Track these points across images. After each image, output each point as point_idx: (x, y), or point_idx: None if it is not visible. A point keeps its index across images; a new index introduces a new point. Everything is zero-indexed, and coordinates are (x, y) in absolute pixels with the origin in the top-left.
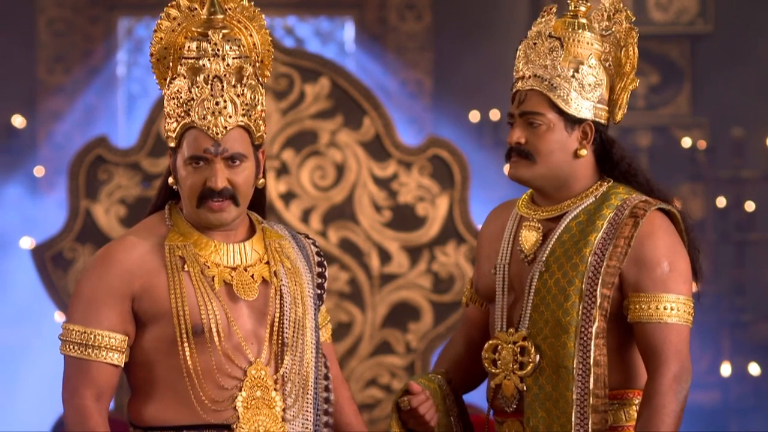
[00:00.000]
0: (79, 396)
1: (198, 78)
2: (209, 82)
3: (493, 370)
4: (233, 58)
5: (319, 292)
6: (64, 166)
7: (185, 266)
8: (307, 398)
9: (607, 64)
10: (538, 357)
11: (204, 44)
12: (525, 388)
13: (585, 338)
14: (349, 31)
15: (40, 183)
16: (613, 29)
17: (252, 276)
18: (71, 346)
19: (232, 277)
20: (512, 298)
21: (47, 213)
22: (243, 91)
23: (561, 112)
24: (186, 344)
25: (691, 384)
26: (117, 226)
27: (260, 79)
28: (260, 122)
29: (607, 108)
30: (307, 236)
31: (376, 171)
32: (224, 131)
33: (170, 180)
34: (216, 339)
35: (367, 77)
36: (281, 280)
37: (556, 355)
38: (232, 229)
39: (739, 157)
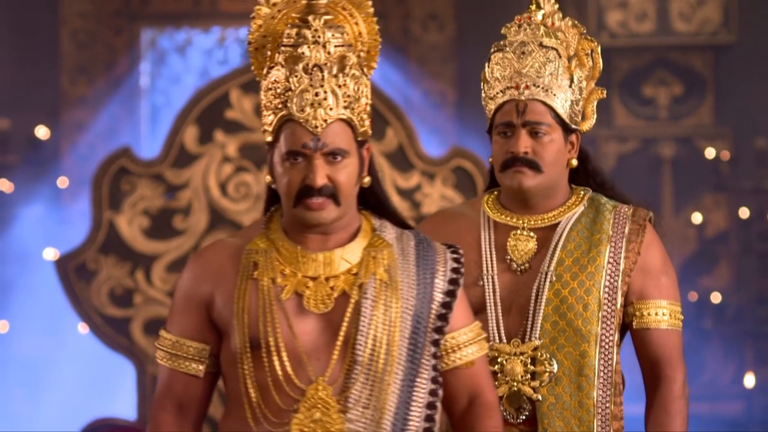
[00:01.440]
0: (159, 406)
1: (297, 67)
2: (309, 71)
3: (495, 383)
4: (335, 46)
5: (443, 311)
6: (87, 177)
7: (255, 273)
8: (383, 426)
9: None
10: (555, 366)
11: (304, 31)
12: (540, 398)
13: (607, 346)
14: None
15: (64, 194)
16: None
17: (332, 288)
18: (160, 354)
19: (307, 287)
20: (503, 309)
21: (70, 224)
22: (345, 81)
23: (561, 122)
24: (245, 358)
25: (715, 394)
26: (140, 237)
27: (365, 70)
28: (364, 116)
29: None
30: (454, 249)
31: (399, 182)
32: (324, 124)
33: (267, 178)
34: (274, 354)
35: (390, 88)
36: (365, 293)
37: (574, 364)
38: (331, 232)
39: (762, 167)
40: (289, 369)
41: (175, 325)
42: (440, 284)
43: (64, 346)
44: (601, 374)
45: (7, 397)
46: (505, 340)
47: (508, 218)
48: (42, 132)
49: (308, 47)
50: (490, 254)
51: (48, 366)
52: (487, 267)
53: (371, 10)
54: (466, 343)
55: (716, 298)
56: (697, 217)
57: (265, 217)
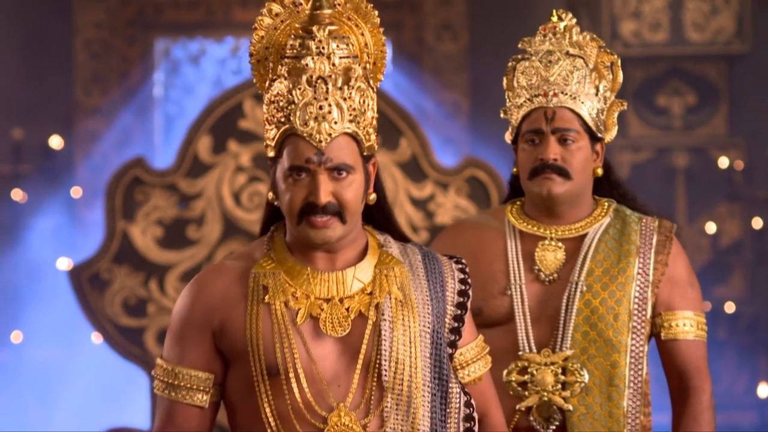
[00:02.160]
0: None
1: (300, 79)
2: (312, 83)
3: (525, 393)
4: (340, 58)
5: (455, 325)
6: (101, 186)
7: (266, 297)
8: None
9: None
10: (586, 376)
11: (308, 42)
12: (571, 408)
13: (637, 356)
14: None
15: (77, 204)
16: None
17: (347, 309)
18: (158, 384)
19: (322, 310)
20: (532, 319)
21: (84, 234)
22: (351, 94)
23: (589, 130)
24: (262, 386)
25: (729, 404)
26: (154, 246)
27: (371, 82)
28: (370, 130)
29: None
30: (458, 260)
31: (413, 192)
32: (328, 139)
33: (270, 195)
34: (293, 381)
35: (404, 98)
36: (382, 314)
37: (605, 374)
38: (338, 251)
39: None
40: (309, 396)
41: (178, 354)
42: (450, 297)
43: (78, 356)
44: (631, 384)
45: (21, 407)
46: (535, 350)
47: (535, 228)
48: (56, 142)
49: (312, 59)
50: (518, 264)
51: (61, 376)
52: (515, 277)
53: (377, 20)
54: (474, 358)
55: (730, 308)
56: (710, 227)
57: (266, 236)
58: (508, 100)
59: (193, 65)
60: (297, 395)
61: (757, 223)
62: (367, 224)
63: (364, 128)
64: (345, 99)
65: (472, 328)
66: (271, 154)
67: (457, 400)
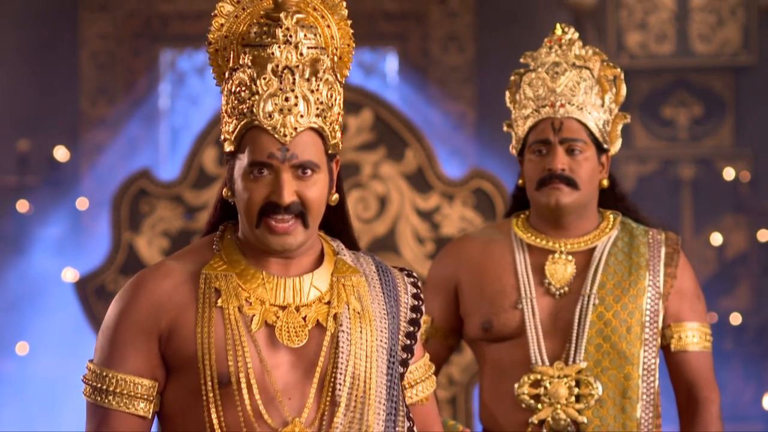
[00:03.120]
0: None
1: (265, 69)
2: (279, 73)
3: (538, 406)
4: (308, 48)
5: (407, 342)
6: (106, 198)
7: (219, 301)
8: None
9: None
10: (599, 389)
11: (274, 29)
12: (585, 421)
13: (649, 368)
14: (391, 63)
15: (83, 215)
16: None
17: (304, 318)
18: (89, 390)
19: (277, 317)
20: (543, 332)
21: (90, 245)
22: (318, 86)
23: (595, 141)
24: (211, 396)
25: (735, 416)
26: (159, 257)
27: (338, 77)
28: (336, 127)
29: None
30: (408, 273)
31: (418, 203)
32: (293, 133)
33: (224, 191)
34: (245, 391)
35: (410, 109)
36: (341, 325)
37: (618, 387)
38: (294, 257)
39: None
40: (261, 407)
41: (117, 358)
42: (404, 312)
43: (83, 368)
44: (644, 396)
45: (27, 418)
46: (548, 363)
47: (544, 241)
48: (61, 153)
49: (278, 47)
50: (528, 278)
51: (67, 387)
52: (525, 291)
53: (345, 12)
54: (421, 378)
55: (736, 319)
56: (716, 239)
57: (215, 235)
58: (513, 113)
59: (199, 76)
60: (248, 406)
61: (764, 234)
62: (319, 229)
63: (330, 124)
64: (312, 91)
65: (420, 345)
66: (230, 148)
67: (402, 423)
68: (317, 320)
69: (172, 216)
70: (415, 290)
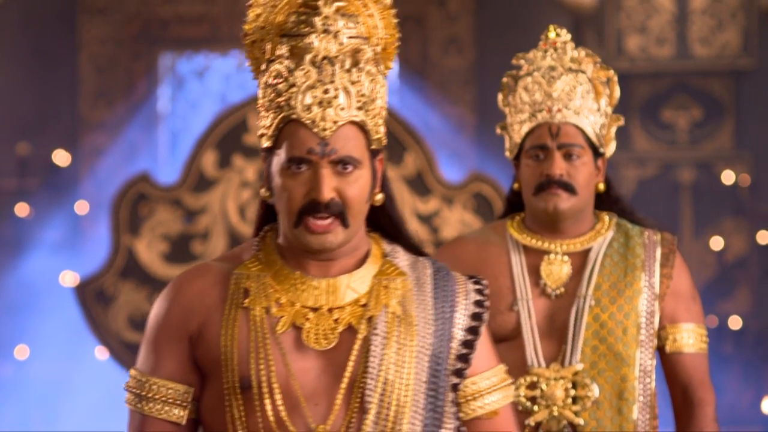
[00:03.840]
0: None
1: (303, 60)
2: (317, 64)
3: (535, 408)
4: (348, 38)
5: (463, 351)
6: (106, 201)
7: (246, 301)
8: None
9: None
10: (596, 391)
11: (312, 18)
12: (582, 422)
13: (646, 370)
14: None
15: (82, 219)
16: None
17: (336, 320)
18: (129, 397)
19: (307, 319)
20: (540, 334)
21: (89, 249)
22: (360, 78)
23: (592, 145)
24: (233, 401)
25: (734, 419)
26: (159, 261)
27: (381, 68)
28: (379, 121)
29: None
30: (477, 280)
31: (418, 206)
32: (333, 127)
33: (262, 191)
34: (266, 395)
35: (409, 112)
36: (375, 328)
37: (614, 388)
38: (336, 258)
39: None
40: (283, 414)
41: (152, 363)
42: (461, 320)
43: (83, 371)
44: (641, 397)
45: (26, 422)
46: (544, 365)
47: (539, 242)
48: (61, 157)
49: (317, 37)
50: (524, 279)
51: (66, 391)
52: (521, 292)
53: (389, 1)
54: (489, 389)
55: (736, 323)
56: (716, 242)
57: (257, 237)
58: (508, 116)
59: (198, 80)
60: (269, 412)
61: (763, 237)
62: (374, 231)
63: (372, 117)
64: (353, 83)
65: (491, 355)
66: (267, 144)
67: None
68: (349, 323)
69: (171, 219)
70: (479, 297)
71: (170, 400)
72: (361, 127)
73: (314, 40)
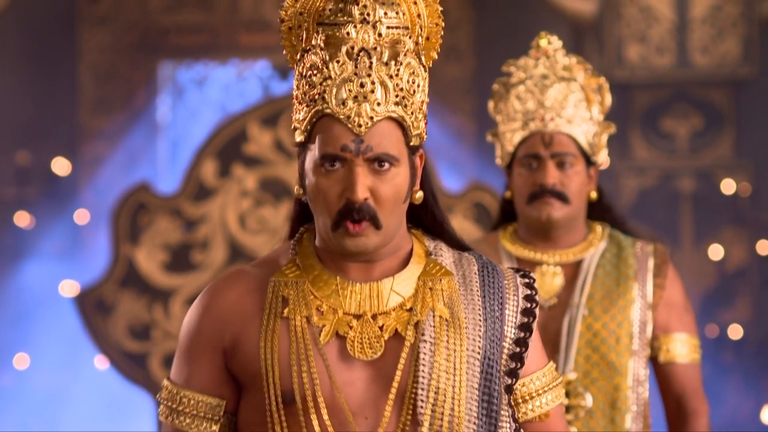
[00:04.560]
0: None
1: (339, 51)
2: (354, 56)
3: None
4: (388, 28)
5: (516, 349)
6: (106, 211)
7: (285, 310)
8: None
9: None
10: (589, 400)
11: (350, 7)
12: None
13: (638, 379)
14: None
15: (82, 228)
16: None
17: (381, 327)
18: (162, 410)
19: (350, 327)
20: None
21: (89, 258)
22: (398, 71)
23: (584, 154)
24: (276, 416)
25: (733, 429)
26: (158, 271)
27: (423, 60)
28: (419, 116)
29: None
30: (525, 273)
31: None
32: (369, 123)
33: (297, 189)
34: (312, 411)
35: None
36: (422, 334)
37: (607, 397)
38: (377, 260)
39: None
40: (330, 429)
41: (185, 375)
42: (512, 317)
43: (82, 381)
44: (633, 407)
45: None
46: None
47: (532, 253)
48: (60, 165)
49: (354, 27)
50: None
51: (66, 400)
52: None
53: None
54: (541, 390)
55: (736, 332)
56: (716, 251)
57: (293, 240)
58: (500, 124)
59: (198, 89)
60: (316, 428)
61: (764, 247)
62: (416, 228)
63: (412, 113)
64: (391, 77)
65: (541, 353)
66: (300, 138)
67: None
68: (395, 329)
69: (171, 229)
70: (528, 291)
71: (201, 414)
72: (399, 123)
73: (351, 30)
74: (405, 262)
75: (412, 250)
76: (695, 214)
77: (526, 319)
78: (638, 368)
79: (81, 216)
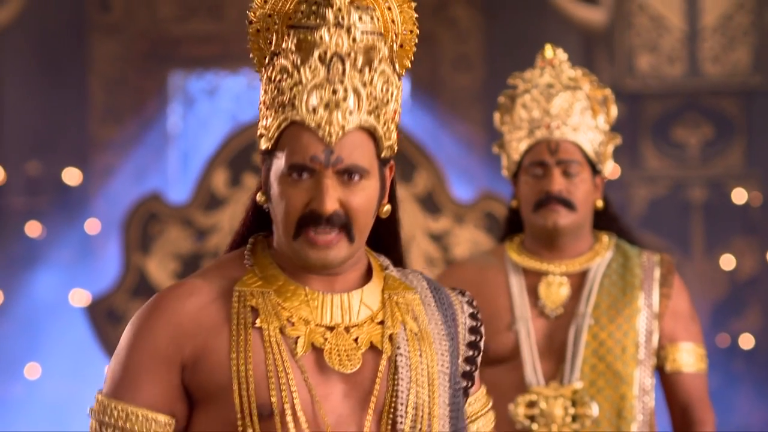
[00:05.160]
0: None
1: (311, 55)
2: (326, 61)
3: (534, 427)
4: (362, 33)
5: (467, 368)
6: (116, 220)
7: (257, 321)
8: None
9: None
10: (595, 409)
11: (324, 9)
12: None
13: (644, 388)
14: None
15: (93, 238)
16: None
17: (356, 340)
18: (96, 426)
19: (325, 339)
20: (539, 353)
21: (100, 268)
22: (372, 78)
23: (590, 162)
24: (249, 430)
25: None
26: (169, 280)
27: (397, 68)
28: (392, 127)
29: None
30: (462, 292)
31: (429, 225)
32: (340, 133)
33: (258, 197)
34: (291, 426)
35: (419, 131)
36: (398, 348)
37: (613, 407)
38: (339, 273)
39: None
40: None
41: (130, 389)
42: (462, 335)
43: (93, 390)
44: (639, 416)
45: None
46: (543, 383)
47: (538, 264)
48: (71, 176)
49: (328, 30)
50: (522, 299)
51: (77, 409)
52: (521, 312)
53: None
54: (482, 411)
55: (748, 342)
56: (728, 261)
57: (245, 249)
58: (505, 135)
59: (209, 98)
60: None
61: None
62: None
63: (384, 123)
64: (365, 84)
65: (478, 375)
66: (266, 146)
67: None
68: (371, 342)
69: (182, 238)
70: (472, 310)
71: None
72: (371, 133)
73: (324, 33)
74: (365, 275)
75: (369, 263)
76: (706, 223)
77: (473, 338)
78: (644, 377)
79: (92, 226)
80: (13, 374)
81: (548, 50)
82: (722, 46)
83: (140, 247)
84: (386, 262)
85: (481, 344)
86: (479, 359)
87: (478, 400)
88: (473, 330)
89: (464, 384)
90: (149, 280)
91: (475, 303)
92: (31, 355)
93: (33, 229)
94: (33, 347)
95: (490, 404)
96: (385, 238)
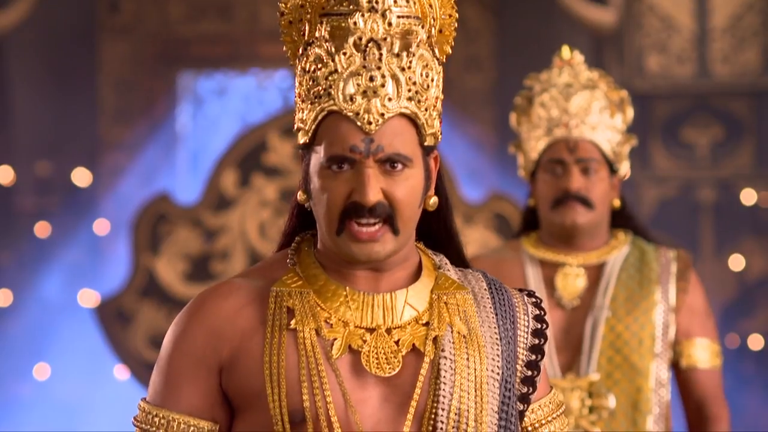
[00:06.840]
0: None
1: (346, 42)
2: (362, 47)
3: None
4: (398, 17)
5: (528, 373)
6: (126, 221)
7: (292, 322)
8: None
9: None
10: (612, 401)
11: None
12: None
13: (660, 381)
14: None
15: (102, 238)
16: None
17: (397, 342)
18: None
19: (364, 341)
20: (555, 344)
21: (109, 268)
22: (411, 63)
23: (608, 161)
24: None
25: None
26: (178, 281)
27: (437, 53)
28: (434, 114)
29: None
30: (530, 293)
31: None
32: (380, 120)
33: (299, 195)
34: (324, 430)
35: None
36: (442, 350)
37: (629, 399)
38: (386, 270)
39: None
40: None
41: (171, 396)
42: (523, 338)
43: (103, 391)
44: (655, 408)
45: None
46: (560, 375)
47: (555, 255)
48: (80, 176)
49: (362, 16)
50: (538, 291)
51: (87, 410)
52: None
53: None
54: (547, 417)
55: (757, 343)
56: (737, 262)
57: (290, 249)
58: (522, 134)
59: (218, 99)
60: None
61: None
62: (418, 240)
63: (426, 109)
64: (403, 69)
65: (547, 378)
66: (304, 139)
67: None
68: (413, 344)
69: (191, 239)
70: (537, 311)
71: None
72: (412, 120)
73: (359, 19)
74: (414, 274)
75: (420, 261)
76: (716, 224)
77: (537, 341)
78: (660, 370)
79: (101, 226)
80: (23, 374)
81: (565, 51)
82: (732, 47)
83: (149, 248)
84: (443, 261)
85: (546, 348)
86: (542, 364)
87: (543, 406)
88: (537, 333)
89: (524, 390)
90: (158, 280)
91: (542, 304)
92: (40, 356)
93: (42, 229)
94: (42, 347)
95: (561, 409)
96: (439, 235)
